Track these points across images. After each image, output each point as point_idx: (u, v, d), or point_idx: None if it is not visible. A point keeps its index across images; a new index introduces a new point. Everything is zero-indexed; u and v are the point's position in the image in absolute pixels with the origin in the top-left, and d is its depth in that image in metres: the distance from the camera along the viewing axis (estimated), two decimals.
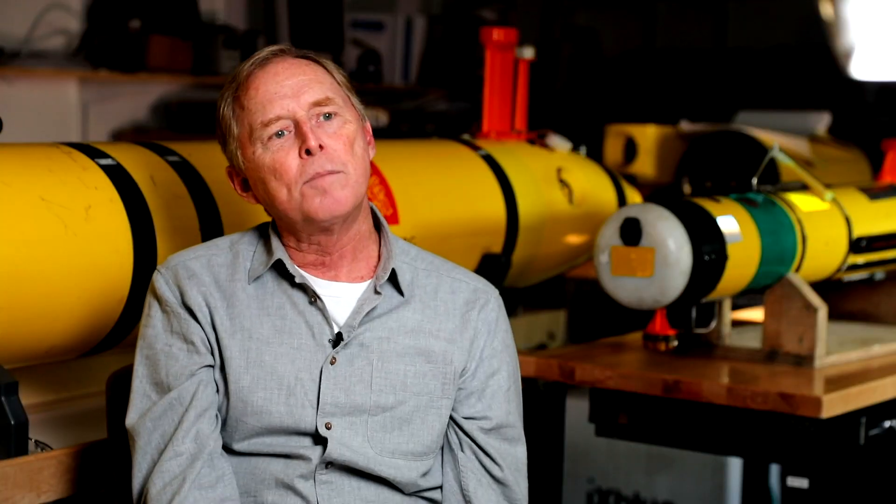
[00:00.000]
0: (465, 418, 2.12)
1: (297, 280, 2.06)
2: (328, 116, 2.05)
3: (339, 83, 2.09)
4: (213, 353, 2.05)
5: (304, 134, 2.01)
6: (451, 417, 2.12)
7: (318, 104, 2.04)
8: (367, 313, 2.07)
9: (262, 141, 2.03)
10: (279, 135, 2.03)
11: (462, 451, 2.12)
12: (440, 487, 2.14)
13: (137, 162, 2.44)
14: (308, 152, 2.01)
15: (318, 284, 2.08)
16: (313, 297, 2.07)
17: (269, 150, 2.03)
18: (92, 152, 2.40)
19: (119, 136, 5.37)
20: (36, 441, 2.26)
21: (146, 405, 2.04)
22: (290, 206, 2.03)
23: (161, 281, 2.08)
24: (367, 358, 2.06)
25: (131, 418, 2.05)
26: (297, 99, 2.03)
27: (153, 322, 2.08)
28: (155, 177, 2.44)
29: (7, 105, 4.64)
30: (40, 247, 2.21)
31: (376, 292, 2.09)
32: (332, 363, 2.05)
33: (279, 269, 2.08)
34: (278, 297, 2.07)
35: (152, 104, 5.62)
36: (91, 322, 2.33)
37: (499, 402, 2.13)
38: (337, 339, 2.06)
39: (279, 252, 2.08)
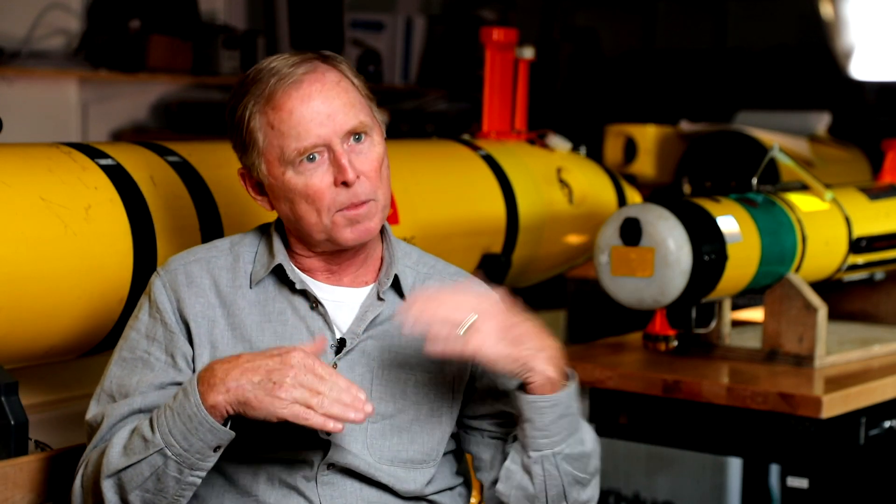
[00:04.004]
0: (478, 417, 2.13)
1: (298, 286, 2.05)
2: (359, 138, 2.04)
3: (363, 95, 2.07)
4: (194, 371, 2.02)
5: (342, 166, 1.99)
6: (471, 423, 2.12)
7: (352, 131, 2.02)
8: (371, 320, 2.07)
9: (294, 165, 2.00)
10: (311, 158, 2.00)
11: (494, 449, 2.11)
12: (445, 490, 2.13)
13: (137, 162, 2.44)
14: (345, 183, 2.00)
15: (319, 289, 2.07)
16: (315, 303, 2.06)
17: (301, 174, 2.00)
18: (92, 152, 2.39)
19: (119, 136, 5.37)
20: (36, 441, 2.25)
21: (107, 406, 2.03)
22: (317, 228, 2.02)
23: (159, 285, 2.07)
24: (367, 365, 2.05)
25: (93, 414, 2.04)
26: (331, 127, 2.00)
27: (139, 325, 2.07)
28: (155, 177, 2.43)
29: (7, 105, 4.64)
30: (40, 247, 2.20)
31: (379, 298, 2.08)
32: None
33: (280, 273, 2.07)
34: (280, 301, 2.06)
35: (152, 104, 5.62)
36: (91, 322, 2.33)
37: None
38: (339, 346, 2.05)
39: (280, 256, 2.06)
